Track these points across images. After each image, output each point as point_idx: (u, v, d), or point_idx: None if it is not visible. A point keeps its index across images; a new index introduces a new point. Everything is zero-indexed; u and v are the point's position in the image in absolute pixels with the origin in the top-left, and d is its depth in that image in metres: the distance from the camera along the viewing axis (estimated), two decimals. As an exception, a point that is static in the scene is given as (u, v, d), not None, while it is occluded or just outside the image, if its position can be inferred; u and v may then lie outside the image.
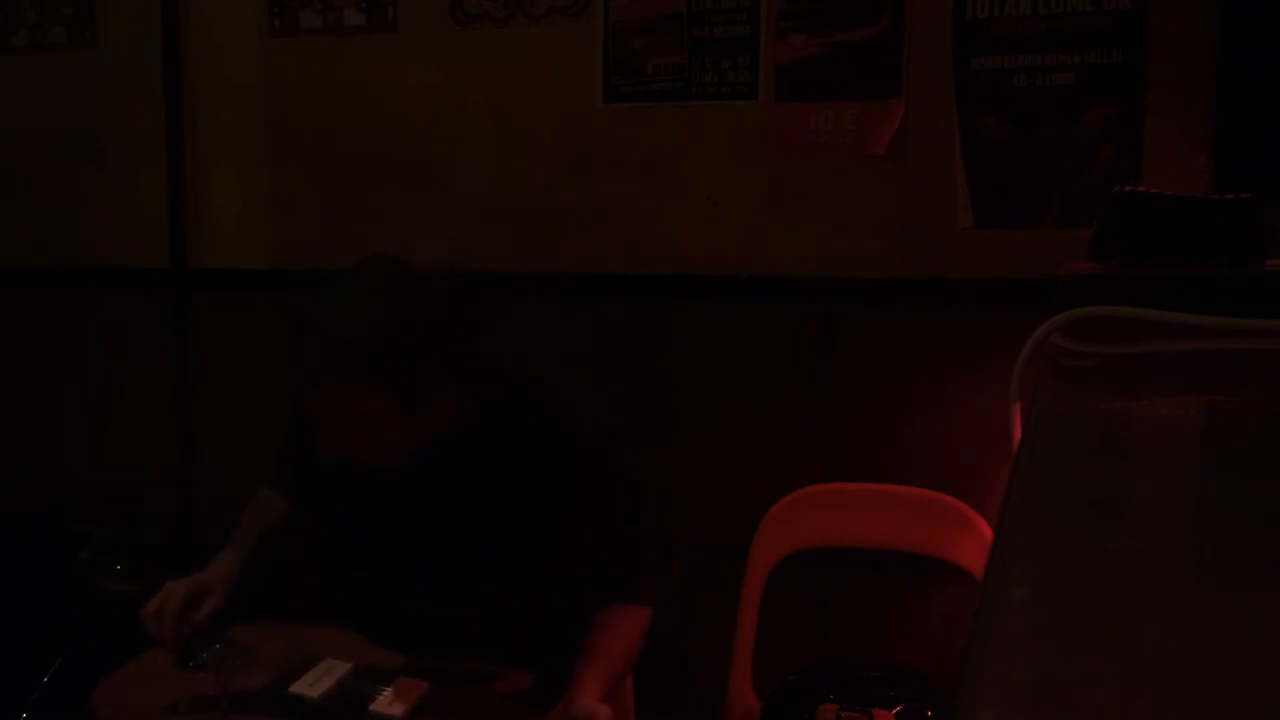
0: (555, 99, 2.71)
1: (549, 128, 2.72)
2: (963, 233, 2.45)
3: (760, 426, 2.62)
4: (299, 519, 2.09)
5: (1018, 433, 1.76)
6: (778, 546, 2.54)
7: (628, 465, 2.01)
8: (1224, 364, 1.24)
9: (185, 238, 3.03)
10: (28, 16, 3.13)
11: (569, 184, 2.72)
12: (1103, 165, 2.34)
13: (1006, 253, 2.41)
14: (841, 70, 2.50)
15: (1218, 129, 2.21)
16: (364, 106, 2.86)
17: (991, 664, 0.48)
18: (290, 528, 2.08)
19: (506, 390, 1.91)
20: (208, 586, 1.89)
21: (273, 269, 2.98)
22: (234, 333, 3.04)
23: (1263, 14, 2.16)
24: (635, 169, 2.66)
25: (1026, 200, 2.41)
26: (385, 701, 1.69)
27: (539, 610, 1.95)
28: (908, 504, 2.48)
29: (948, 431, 2.47)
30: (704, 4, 2.58)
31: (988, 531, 2.37)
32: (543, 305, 2.72)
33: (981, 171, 2.43)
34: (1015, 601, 0.55)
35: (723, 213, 2.61)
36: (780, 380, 2.61)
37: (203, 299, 3.04)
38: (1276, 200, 1.74)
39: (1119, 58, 2.33)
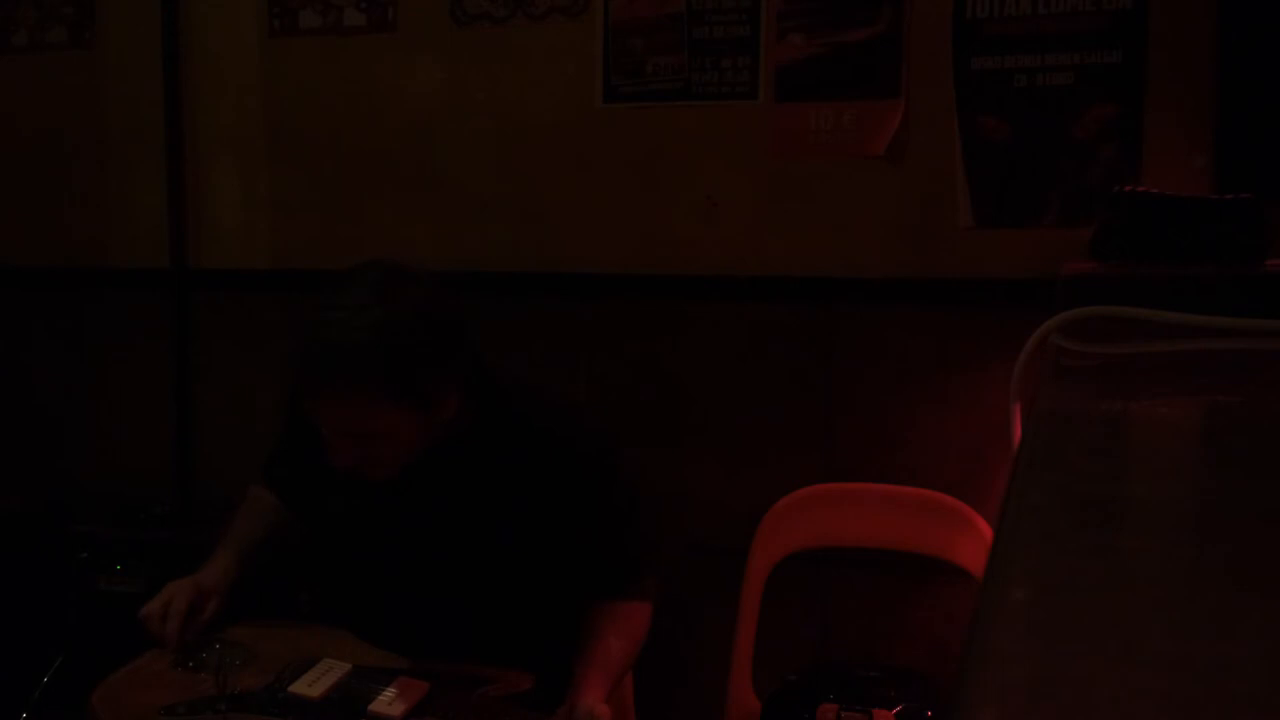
0: (555, 99, 2.71)
1: (549, 128, 2.72)
2: (963, 233, 2.45)
3: (760, 426, 2.62)
4: (292, 517, 2.08)
5: (1018, 433, 1.77)
6: (778, 546, 2.54)
7: (627, 465, 2.00)
8: (1224, 364, 1.24)
9: (185, 238, 3.03)
10: (28, 16, 3.13)
11: (569, 184, 2.72)
12: (1103, 165, 2.34)
13: (1006, 253, 2.41)
14: (841, 70, 2.51)
15: (1218, 129, 2.21)
16: (364, 106, 2.86)
17: (991, 664, 0.48)
18: (283, 526, 2.07)
19: (504, 391, 1.91)
20: (209, 588, 1.89)
21: (273, 269, 2.98)
22: (234, 333, 3.04)
23: (1263, 14, 2.16)
24: (635, 169, 2.66)
25: (1026, 200, 2.41)
26: (385, 702, 1.69)
27: (538, 611, 1.95)
28: (908, 504, 2.48)
29: (948, 431, 2.47)
30: (704, 4, 2.58)
31: (988, 531, 2.37)
32: (543, 305, 2.72)
33: (981, 171, 2.43)
34: (1015, 601, 0.55)
35: (723, 213, 2.61)
36: (780, 380, 2.61)
37: (203, 299, 3.04)
38: (1276, 200, 1.74)
39: (1119, 58, 2.33)
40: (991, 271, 2.42)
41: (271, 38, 2.93)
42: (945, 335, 2.48)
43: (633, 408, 2.68)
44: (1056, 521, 0.69)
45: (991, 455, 2.37)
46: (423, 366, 1.75)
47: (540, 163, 2.74)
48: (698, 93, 2.60)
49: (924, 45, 2.45)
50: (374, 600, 1.97)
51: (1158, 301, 1.31)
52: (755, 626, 2.51)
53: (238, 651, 1.82)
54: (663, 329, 2.69)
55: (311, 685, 1.72)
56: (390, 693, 1.71)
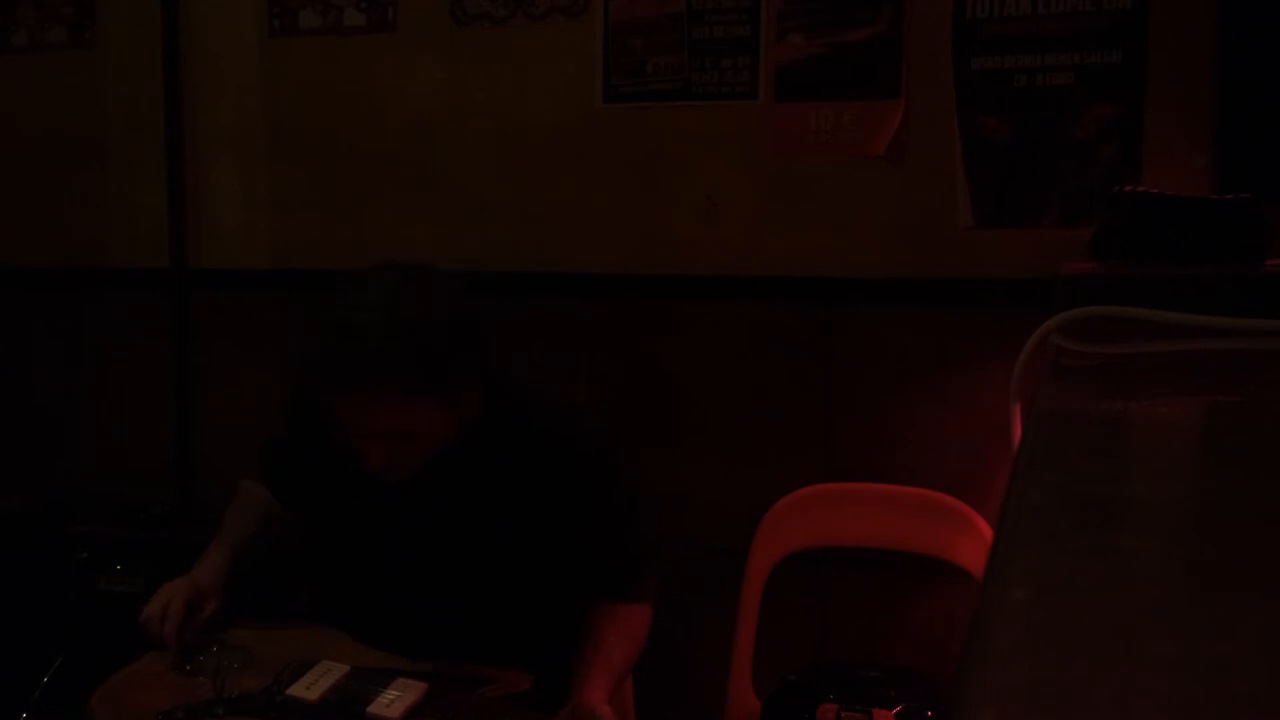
0: (555, 99, 2.71)
1: (549, 128, 2.72)
2: (963, 233, 2.45)
3: (760, 426, 2.62)
4: (288, 517, 2.08)
5: (1018, 433, 1.77)
6: (778, 546, 2.54)
7: (627, 466, 2.00)
8: (1224, 364, 1.24)
9: (185, 238, 3.03)
10: (28, 16, 3.13)
11: (569, 184, 2.72)
12: (1103, 165, 2.34)
13: (1006, 253, 2.41)
14: (841, 70, 2.51)
15: (1218, 129, 2.21)
16: (364, 106, 2.86)
17: (991, 664, 0.48)
18: (276, 522, 2.07)
19: (505, 391, 1.91)
20: (206, 587, 1.88)
21: (273, 269, 2.98)
22: (234, 333, 3.04)
23: (1263, 14, 2.16)
24: (635, 169, 2.66)
25: (1026, 200, 2.41)
26: (383, 704, 1.69)
27: (538, 611, 1.95)
28: (908, 504, 2.48)
29: (948, 431, 2.47)
30: (704, 4, 2.58)
31: (988, 531, 2.37)
32: (543, 305, 2.72)
33: (981, 171, 2.43)
34: (1015, 601, 0.55)
35: (722, 213, 2.61)
36: (780, 380, 2.61)
37: (203, 299, 3.04)
38: (1276, 200, 1.74)
39: (1119, 58, 2.33)
40: (991, 271, 2.42)
41: (271, 38, 2.93)
42: (945, 335, 2.48)
43: (633, 408, 2.68)
44: (1056, 521, 0.69)
45: (991, 455, 2.37)
46: (455, 362, 1.76)
47: (540, 163, 2.74)
48: (698, 93, 2.60)
49: (924, 45, 2.45)
50: (373, 600, 1.97)
51: (1158, 301, 1.31)
52: (755, 626, 2.51)
53: (236, 654, 1.82)
54: (663, 329, 2.69)
55: (309, 688, 1.72)
56: (389, 694, 1.71)
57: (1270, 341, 1.24)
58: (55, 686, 2.66)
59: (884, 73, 2.48)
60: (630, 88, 2.65)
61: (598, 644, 1.83)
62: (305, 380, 2.08)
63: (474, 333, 1.81)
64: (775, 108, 2.56)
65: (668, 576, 2.01)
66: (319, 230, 2.93)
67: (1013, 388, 1.72)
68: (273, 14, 2.92)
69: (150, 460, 3.07)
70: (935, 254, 2.47)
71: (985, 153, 2.43)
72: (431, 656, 1.81)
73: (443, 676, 1.77)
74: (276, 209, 2.98)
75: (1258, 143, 2.14)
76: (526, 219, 2.76)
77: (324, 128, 2.90)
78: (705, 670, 2.57)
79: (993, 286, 2.40)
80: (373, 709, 1.68)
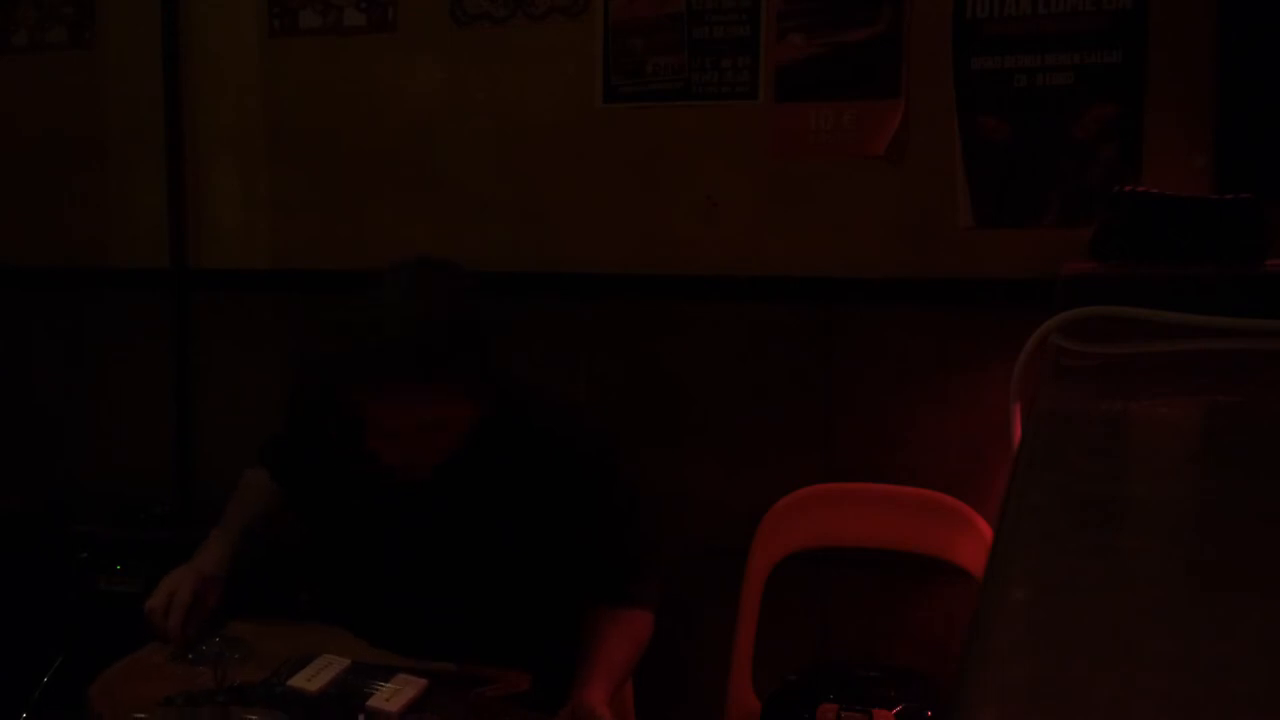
0: (555, 99, 2.71)
1: (549, 128, 2.72)
2: (963, 233, 2.45)
3: (760, 426, 2.62)
4: (291, 517, 2.08)
5: (1018, 433, 1.76)
6: (778, 546, 2.54)
7: (627, 467, 2.00)
8: (1224, 364, 1.24)
9: (185, 238, 3.03)
10: (28, 16, 3.13)
11: (569, 184, 2.72)
12: (1103, 165, 2.34)
13: (1006, 253, 2.41)
14: (841, 70, 2.51)
15: (1218, 129, 2.21)
16: (364, 106, 2.86)
17: (991, 664, 0.48)
18: (278, 513, 2.07)
19: (505, 391, 1.91)
20: (210, 576, 1.88)
21: (273, 269, 2.98)
22: (234, 333, 3.04)
23: (1263, 14, 2.16)
24: (635, 169, 2.67)
25: (1026, 200, 2.41)
26: (383, 698, 1.69)
27: (538, 612, 1.95)
28: (908, 504, 2.48)
29: (948, 431, 2.47)
30: (704, 4, 2.58)
31: (988, 531, 2.37)
32: (543, 305, 2.72)
33: (981, 171, 2.43)
34: (1015, 601, 0.55)
35: (722, 213, 2.61)
36: (780, 380, 2.61)
37: (203, 299, 3.04)
38: (1276, 200, 1.74)
39: (1119, 58, 2.33)
40: (991, 271, 2.42)
41: (271, 38, 2.93)
42: (945, 335, 2.48)
43: (633, 408, 2.68)
44: (1056, 521, 0.69)
45: (991, 455, 2.37)
46: (478, 357, 1.76)
47: (540, 163, 2.74)
48: (698, 93, 2.60)
49: (924, 45, 2.45)
50: (373, 600, 1.97)
51: (1158, 301, 1.31)
52: (755, 626, 2.51)
53: (237, 646, 1.83)
54: (663, 329, 2.69)
55: (310, 680, 1.73)
56: (389, 688, 1.71)
57: (1270, 341, 1.24)
58: (55, 686, 2.66)
59: (884, 73, 2.48)
60: (630, 88, 2.65)
61: (599, 646, 1.83)
62: (315, 379, 2.08)
63: (495, 328, 1.82)
64: (775, 108, 2.56)
65: (668, 576, 2.01)
66: (319, 230, 2.93)
67: (1013, 388, 1.72)
68: (273, 14, 2.92)
69: (150, 460, 3.07)
70: (935, 254, 2.47)
71: (985, 153, 2.43)
72: (431, 656, 1.81)
73: (442, 675, 1.77)
74: (276, 209, 2.98)
75: (1258, 143, 2.14)
76: (526, 219, 2.76)
77: (324, 128, 2.90)
78: (705, 670, 2.57)
79: (993, 286, 2.40)
80: (373, 702, 1.68)
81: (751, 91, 2.57)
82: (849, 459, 2.56)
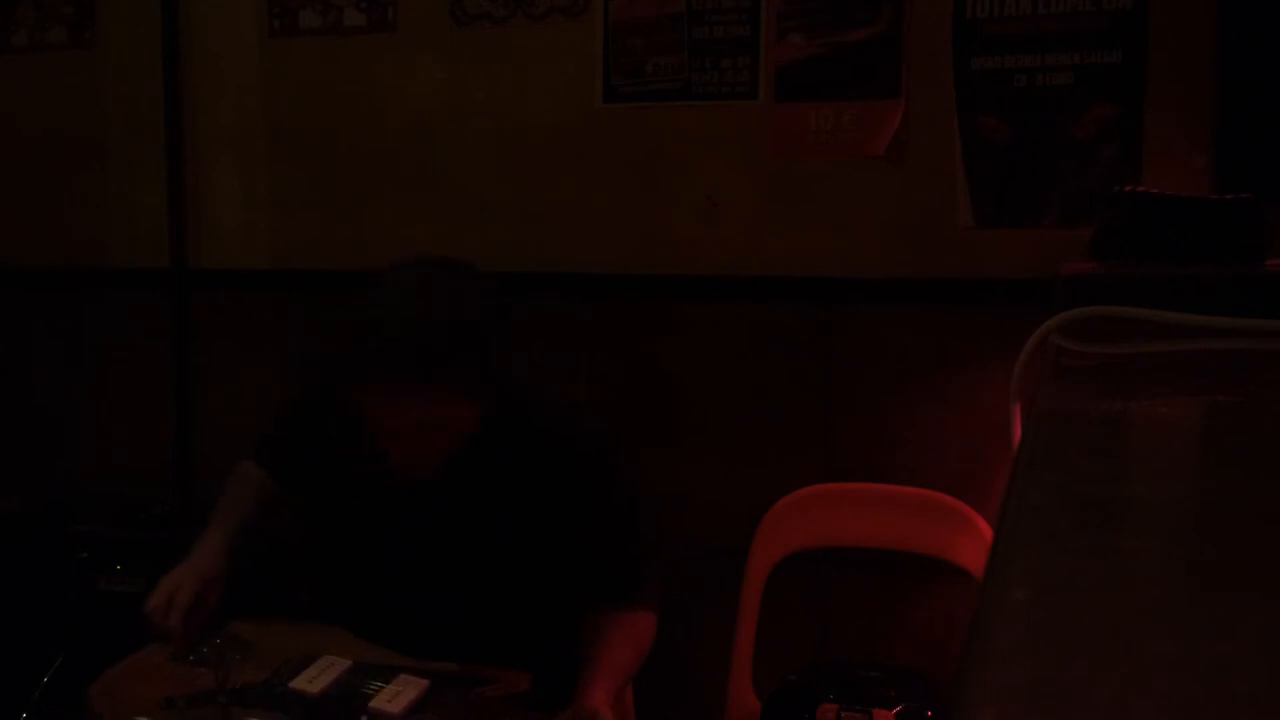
0: (555, 99, 2.71)
1: (549, 128, 2.72)
2: (963, 233, 2.45)
3: (760, 426, 2.62)
4: (285, 499, 2.08)
5: (1018, 433, 1.76)
6: (778, 546, 2.54)
7: (627, 466, 2.00)
8: (1224, 364, 1.24)
9: (185, 238, 3.03)
10: (28, 16, 3.13)
11: (569, 184, 2.72)
12: (1103, 165, 2.34)
13: (1006, 253, 2.41)
14: (841, 70, 2.51)
15: (1218, 129, 2.21)
16: (364, 106, 2.86)
17: (991, 664, 0.48)
18: (273, 508, 2.06)
19: (506, 391, 1.91)
20: (210, 576, 1.87)
21: (273, 269, 2.98)
22: (234, 333, 3.04)
23: (1263, 14, 2.16)
24: (635, 169, 2.67)
25: (1026, 200, 2.41)
26: (385, 699, 1.69)
27: (538, 612, 1.95)
28: (908, 504, 2.48)
29: (948, 431, 2.47)
30: (704, 4, 2.58)
31: (988, 531, 2.37)
32: (543, 305, 2.72)
33: (981, 171, 2.43)
34: (1015, 601, 0.55)
35: (723, 213, 2.61)
36: (780, 380, 2.61)
37: (203, 299, 3.04)
38: (1276, 200, 1.74)
39: (1119, 58, 2.33)
40: (991, 271, 2.42)
41: (271, 38, 2.93)
42: (945, 335, 2.48)
43: (633, 408, 2.68)
44: (1056, 521, 0.69)
45: (991, 455, 2.37)
46: (479, 357, 1.76)
47: (540, 163, 2.74)
48: (698, 93, 2.60)
49: (924, 45, 2.45)
50: (373, 600, 1.97)
51: (1158, 301, 1.31)
52: (755, 626, 2.51)
53: (238, 646, 1.82)
54: (663, 329, 2.69)
55: (311, 681, 1.73)
56: (390, 689, 1.71)
57: (1270, 341, 1.24)
58: (55, 686, 2.66)
59: (884, 73, 2.48)
60: (630, 88, 2.65)
61: (601, 648, 1.83)
62: (316, 379, 2.08)
63: (497, 326, 1.82)
64: (775, 108, 2.56)
65: (668, 576, 2.01)
66: (319, 230, 2.93)
67: (1013, 388, 1.72)
68: (273, 14, 2.92)
69: (150, 460, 3.07)
70: (935, 254, 2.47)
71: (985, 153, 2.43)
72: (431, 656, 1.81)
73: (442, 675, 1.77)
74: (276, 209, 2.98)
75: (1258, 143, 2.14)
76: (526, 219, 2.76)
77: (324, 128, 2.90)
78: (705, 670, 2.57)
79: (993, 286, 2.40)
80: (375, 704, 1.68)
81: (751, 91, 2.57)
82: (849, 459, 2.56)
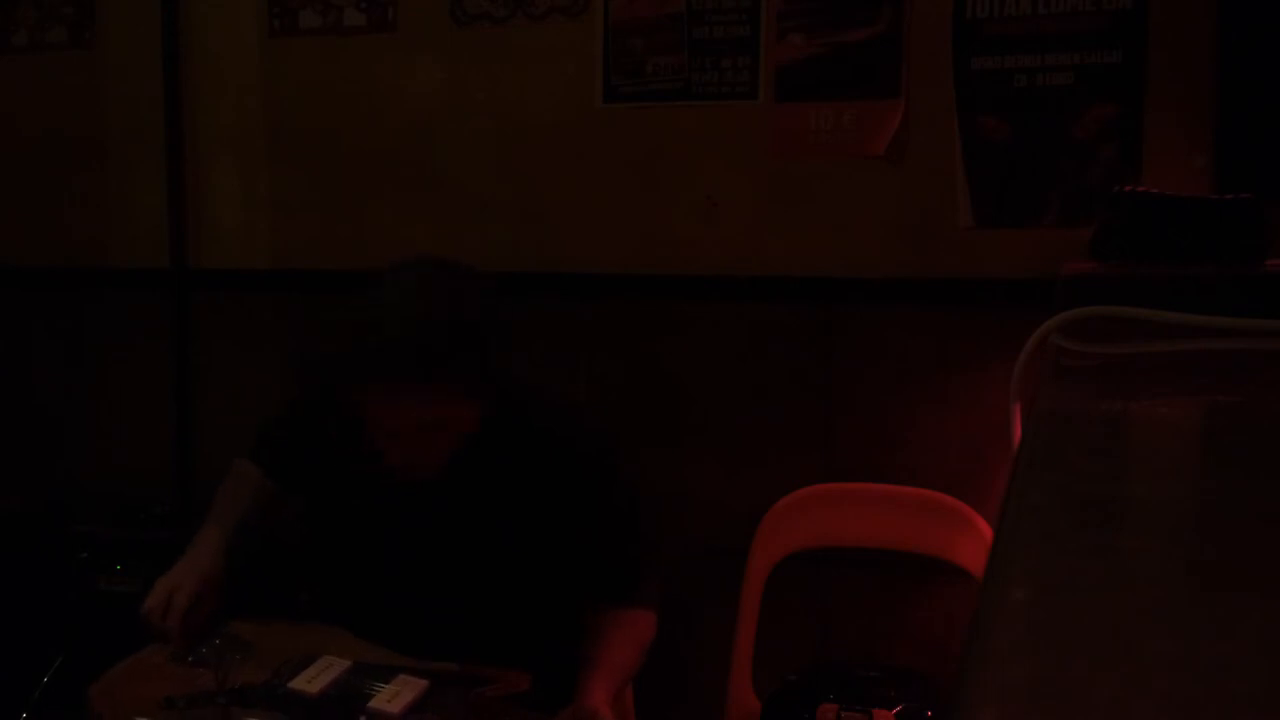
0: (555, 99, 2.71)
1: (549, 128, 2.72)
2: (963, 233, 2.45)
3: (760, 426, 2.62)
4: (282, 496, 2.07)
5: (1018, 433, 1.76)
6: (778, 546, 2.54)
7: (627, 466, 2.00)
8: (1224, 364, 1.24)
9: (185, 238, 3.03)
10: (28, 16, 3.13)
11: (569, 184, 2.72)
12: (1103, 165, 2.34)
13: (1006, 253, 2.41)
14: (841, 70, 2.51)
15: (1218, 129, 2.21)
16: (364, 106, 2.86)
17: (991, 664, 0.48)
18: (269, 507, 2.06)
19: (506, 391, 1.91)
20: (209, 576, 1.87)
21: (273, 269, 2.98)
22: (234, 333, 3.04)
23: (1263, 14, 2.16)
24: (635, 169, 2.67)
25: (1026, 200, 2.41)
26: (384, 699, 1.69)
27: (539, 612, 1.95)
28: (908, 504, 2.48)
29: (948, 431, 2.47)
30: (704, 4, 2.58)
31: (988, 531, 2.37)
32: (543, 305, 2.72)
33: (981, 171, 2.43)
34: (1015, 601, 0.55)
35: (723, 213, 2.61)
36: (780, 380, 2.61)
37: (203, 299, 3.04)
38: (1276, 200, 1.74)
39: (1119, 58, 2.33)
40: (991, 271, 2.42)
41: (271, 38, 2.93)
42: (945, 335, 2.48)
43: (633, 408, 2.68)
44: (1056, 521, 0.69)
45: (991, 455, 2.37)
46: (479, 357, 1.76)
47: (540, 163, 2.74)
48: (698, 93, 2.60)
49: (924, 45, 2.45)
50: (373, 600, 1.97)
51: (1158, 301, 1.31)
52: (755, 626, 2.51)
53: (238, 646, 1.82)
54: (663, 329, 2.69)
55: (311, 681, 1.73)
56: (389, 689, 1.71)
57: (1270, 341, 1.24)
58: (55, 686, 2.66)
59: (884, 73, 2.48)
60: (630, 88, 2.65)
61: (601, 647, 1.83)
62: (316, 379, 2.08)
63: (497, 327, 1.82)
64: (775, 108, 2.56)
65: (668, 576, 2.01)
66: (319, 230, 2.93)
67: (1013, 388, 1.72)
68: (273, 14, 2.92)
69: (150, 460, 3.07)
70: (935, 254, 2.47)
71: (985, 153, 2.43)
72: (431, 656, 1.81)
73: (442, 675, 1.77)
74: (276, 209, 2.98)
75: (1258, 143, 2.14)
76: (526, 219, 2.76)
77: (324, 128, 2.90)
78: (705, 670, 2.57)
79: (993, 286, 2.40)
80: (374, 704, 1.68)
81: (751, 91, 2.57)
82: (849, 459, 2.56)
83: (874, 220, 2.52)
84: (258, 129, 2.97)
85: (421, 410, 1.75)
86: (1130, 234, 1.76)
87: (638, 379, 2.71)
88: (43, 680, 2.67)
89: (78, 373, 3.17)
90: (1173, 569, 0.62)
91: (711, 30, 2.59)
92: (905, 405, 2.51)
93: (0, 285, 3.23)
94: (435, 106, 2.81)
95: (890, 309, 2.53)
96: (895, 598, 2.56)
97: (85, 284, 3.16)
